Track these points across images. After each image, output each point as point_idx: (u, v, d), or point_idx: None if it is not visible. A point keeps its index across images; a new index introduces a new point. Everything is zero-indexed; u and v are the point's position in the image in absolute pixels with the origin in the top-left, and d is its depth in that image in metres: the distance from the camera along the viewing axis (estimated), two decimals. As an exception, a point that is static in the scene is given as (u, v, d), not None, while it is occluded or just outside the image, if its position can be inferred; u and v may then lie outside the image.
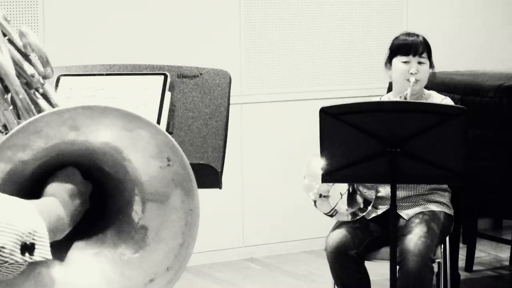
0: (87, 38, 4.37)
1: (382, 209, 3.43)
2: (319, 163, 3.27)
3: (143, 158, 1.06)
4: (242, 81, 4.83)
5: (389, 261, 3.03)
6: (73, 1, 4.43)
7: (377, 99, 3.58)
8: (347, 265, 3.32)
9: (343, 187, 3.32)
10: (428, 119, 2.97)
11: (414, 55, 3.40)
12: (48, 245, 0.91)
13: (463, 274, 4.13)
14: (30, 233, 0.89)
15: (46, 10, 4.33)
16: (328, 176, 3.11)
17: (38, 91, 1.18)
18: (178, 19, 4.63)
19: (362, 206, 3.33)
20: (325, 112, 3.04)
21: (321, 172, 3.22)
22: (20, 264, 0.88)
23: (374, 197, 3.36)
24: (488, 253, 4.59)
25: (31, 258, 0.89)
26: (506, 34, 5.45)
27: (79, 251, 1.09)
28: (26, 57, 1.21)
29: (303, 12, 4.94)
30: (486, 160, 4.00)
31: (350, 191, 3.35)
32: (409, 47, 3.42)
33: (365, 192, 3.37)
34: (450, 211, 3.47)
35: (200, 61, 3.97)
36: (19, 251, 0.88)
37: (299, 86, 5.00)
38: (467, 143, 3.12)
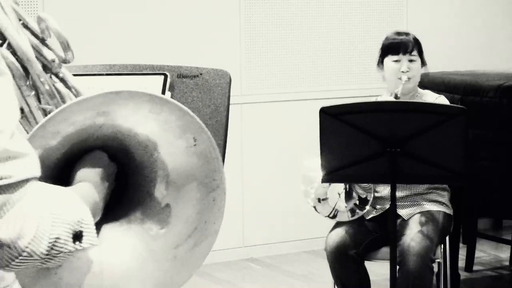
0: (87, 38, 4.37)
1: (381, 209, 3.43)
2: (311, 166, 3.27)
3: (169, 140, 1.08)
4: (242, 81, 4.83)
5: (389, 261, 3.03)
6: (73, 1, 4.43)
7: (374, 99, 3.58)
8: (347, 265, 3.32)
9: (339, 187, 3.33)
10: (428, 119, 2.97)
11: (404, 54, 3.41)
12: (94, 231, 0.94)
13: (463, 274, 4.13)
14: (79, 222, 0.91)
15: (46, 10, 4.33)
16: (328, 176, 3.11)
17: (58, 76, 1.18)
18: (178, 19, 4.63)
19: (358, 202, 3.34)
20: (325, 112, 3.04)
21: (314, 174, 3.22)
22: (71, 253, 0.91)
23: (371, 197, 3.36)
24: (488, 253, 4.59)
25: (81, 246, 0.91)
26: (506, 34, 5.45)
27: (109, 230, 1.12)
28: (43, 42, 1.21)
29: (303, 12, 4.94)
30: (486, 160, 4.00)
31: (347, 189, 3.36)
32: (398, 46, 3.43)
33: (362, 194, 3.38)
34: (450, 211, 3.47)
35: (200, 61, 3.97)
36: (71, 241, 0.90)
37: (299, 86, 5.00)
38: (467, 143, 3.12)
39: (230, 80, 4.02)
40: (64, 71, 1.19)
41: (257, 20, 4.85)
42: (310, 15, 4.96)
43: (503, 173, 3.95)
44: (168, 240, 1.11)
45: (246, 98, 4.85)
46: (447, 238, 3.46)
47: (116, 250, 1.09)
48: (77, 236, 0.91)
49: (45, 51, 1.19)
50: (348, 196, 3.31)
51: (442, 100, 3.49)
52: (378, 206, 3.43)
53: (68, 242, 0.90)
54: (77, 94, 1.16)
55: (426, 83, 3.91)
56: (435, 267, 3.29)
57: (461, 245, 4.18)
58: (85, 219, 0.93)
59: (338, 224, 3.40)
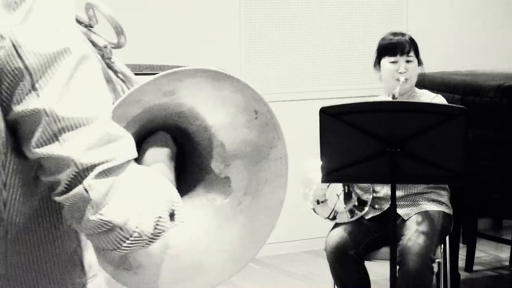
0: (87, 38, 4.36)
1: (381, 209, 3.43)
2: (310, 167, 3.28)
3: (230, 115, 1.10)
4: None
5: (389, 261, 3.03)
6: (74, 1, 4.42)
7: (372, 99, 3.58)
8: (347, 265, 3.33)
9: (338, 188, 3.34)
10: (428, 119, 2.97)
11: (401, 55, 3.41)
12: (182, 209, 0.95)
13: (463, 274, 4.13)
14: (171, 201, 0.93)
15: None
16: (328, 176, 3.11)
17: (110, 61, 1.20)
18: (178, 19, 4.63)
19: (357, 203, 3.34)
20: (325, 112, 3.04)
21: (313, 175, 3.23)
22: (163, 232, 0.92)
23: (370, 198, 3.36)
24: (488, 253, 4.58)
25: (174, 224, 0.93)
26: (506, 34, 5.45)
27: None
28: (90, 28, 1.23)
29: (303, 12, 4.94)
30: (486, 160, 4.00)
31: (346, 190, 3.36)
32: (395, 46, 3.43)
33: (361, 194, 3.38)
34: (450, 211, 3.47)
35: (200, 61, 3.96)
36: (169, 219, 0.92)
37: (299, 86, 5.00)
38: (467, 143, 3.12)
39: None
40: (114, 58, 1.20)
41: (257, 20, 4.85)
42: (310, 15, 4.96)
43: (503, 173, 3.95)
44: (232, 208, 1.13)
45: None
46: (447, 238, 3.46)
47: (189, 226, 1.11)
48: (171, 215, 0.93)
49: (94, 37, 1.20)
50: (347, 197, 3.32)
51: (439, 99, 3.50)
52: (377, 206, 3.43)
53: (167, 221, 0.92)
54: (125, 80, 1.18)
55: (426, 83, 3.91)
56: (435, 267, 3.30)
57: (461, 245, 4.18)
58: (175, 199, 0.95)
59: (338, 224, 3.40)
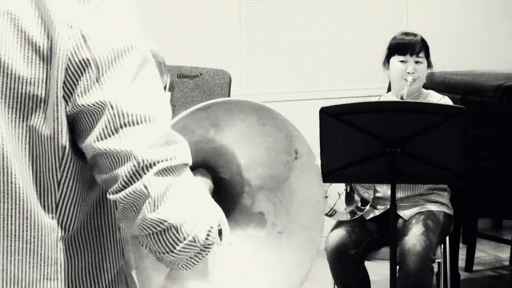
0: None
1: (381, 209, 3.43)
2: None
3: (269, 152, 1.10)
4: (242, 81, 4.83)
5: (389, 261, 3.03)
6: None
7: (376, 99, 3.58)
8: (347, 265, 3.32)
9: (340, 187, 3.33)
10: (428, 119, 2.96)
11: (411, 55, 3.41)
12: (229, 231, 0.94)
13: (463, 274, 4.13)
14: (220, 219, 0.91)
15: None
16: (328, 176, 3.11)
17: None
18: (178, 19, 4.63)
19: (359, 204, 3.34)
20: (325, 112, 3.04)
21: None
22: (208, 253, 0.90)
23: (372, 197, 3.36)
24: (488, 253, 4.58)
25: (221, 243, 0.91)
26: (506, 34, 5.45)
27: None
28: None
29: (303, 12, 4.94)
30: (486, 160, 3.99)
31: (348, 190, 3.36)
32: (406, 46, 3.43)
33: (363, 193, 3.38)
34: (450, 211, 3.47)
35: (200, 61, 3.96)
36: (218, 233, 0.90)
37: (299, 86, 5.00)
38: (467, 143, 3.12)
39: (230, 80, 4.02)
40: None
41: (257, 20, 4.85)
42: (310, 15, 4.96)
43: (503, 173, 3.95)
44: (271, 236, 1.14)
45: (246, 98, 4.85)
46: (447, 238, 3.46)
47: (229, 252, 1.10)
48: (219, 232, 0.91)
49: None
50: (349, 198, 3.32)
51: (446, 100, 3.50)
52: (378, 207, 3.43)
53: (216, 235, 0.90)
54: None
55: (426, 83, 3.91)
56: (435, 267, 3.30)
57: (461, 245, 4.18)
58: (223, 218, 0.93)
59: (338, 224, 3.40)
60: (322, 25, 4.99)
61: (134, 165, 0.84)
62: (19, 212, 0.86)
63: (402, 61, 3.41)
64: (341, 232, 3.33)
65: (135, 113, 0.86)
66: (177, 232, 0.86)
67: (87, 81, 0.87)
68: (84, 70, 0.87)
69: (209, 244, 0.88)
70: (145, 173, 0.84)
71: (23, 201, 0.86)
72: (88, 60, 0.87)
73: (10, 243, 0.86)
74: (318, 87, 5.02)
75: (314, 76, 5.02)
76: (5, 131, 0.85)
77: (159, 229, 0.85)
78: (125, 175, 0.85)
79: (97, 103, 0.86)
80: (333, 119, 3.03)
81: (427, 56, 3.46)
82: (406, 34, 3.52)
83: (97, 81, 0.87)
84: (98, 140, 0.86)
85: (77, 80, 0.87)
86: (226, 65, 4.05)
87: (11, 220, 0.86)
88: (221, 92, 4.17)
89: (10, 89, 0.86)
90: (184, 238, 0.86)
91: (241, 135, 1.07)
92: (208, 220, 0.88)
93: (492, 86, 4.00)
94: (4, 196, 0.86)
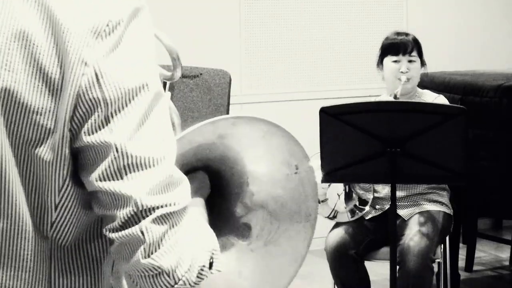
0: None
1: (381, 209, 3.43)
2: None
3: (272, 165, 1.12)
4: (242, 81, 4.83)
5: (389, 261, 3.03)
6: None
7: (373, 99, 3.58)
8: (347, 265, 3.32)
9: (339, 188, 3.33)
10: (428, 119, 2.96)
11: (404, 54, 3.41)
12: (220, 258, 0.94)
13: (463, 274, 4.13)
14: (213, 249, 0.92)
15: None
16: (328, 176, 3.11)
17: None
18: (178, 19, 4.63)
19: (358, 203, 3.34)
20: (325, 112, 3.04)
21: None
22: (202, 281, 0.91)
23: (371, 197, 3.36)
24: (488, 253, 4.58)
25: (211, 273, 0.92)
26: (506, 34, 5.45)
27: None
28: None
29: (303, 12, 4.94)
30: (486, 160, 3.99)
31: (346, 190, 3.36)
32: (398, 46, 3.44)
33: (362, 194, 3.38)
34: (450, 211, 3.47)
35: (200, 61, 3.96)
36: (208, 268, 0.91)
37: (299, 86, 5.00)
38: (467, 143, 3.12)
39: (230, 80, 4.02)
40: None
41: (257, 20, 4.85)
42: (310, 15, 4.96)
43: (503, 173, 3.95)
44: (248, 251, 1.15)
45: (246, 98, 4.85)
46: (447, 238, 3.46)
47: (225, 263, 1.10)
48: (210, 264, 0.91)
49: None
50: (348, 197, 3.32)
51: (441, 99, 3.50)
52: (378, 206, 3.43)
53: (207, 270, 0.90)
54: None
55: (426, 83, 3.91)
56: (435, 267, 3.30)
57: (461, 245, 4.18)
58: (216, 246, 0.93)
59: (338, 224, 3.40)
60: (322, 25, 4.99)
61: (133, 209, 0.84)
62: (15, 229, 0.87)
63: (395, 61, 3.42)
64: (341, 232, 3.33)
65: (140, 156, 0.85)
66: (169, 277, 0.86)
67: (95, 120, 0.87)
68: (94, 109, 0.87)
69: (199, 281, 0.90)
70: (143, 218, 0.84)
71: (20, 220, 0.87)
72: (99, 100, 0.87)
73: (5, 260, 0.88)
74: (318, 87, 5.01)
75: (314, 76, 5.02)
76: (8, 153, 0.85)
77: (151, 273, 0.86)
78: (123, 217, 0.85)
79: (102, 142, 0.86)
80: (333, 119, 3.03)
81: (420, 55, 3.46)
82: (398, 33, 3.53)
83: (106, 121, 0.87)
84: (100, 180, 0.86)
85: (86, 118, 0.87)
86: (226, 65, 4.05)
87: (7, 238, 0.87)
88: (221, 92, 4.17)
89: (17, 116, 0.86)
90: (175, 283, 0.87)
91: (246, 146, 1.09)
92: (201, 259, 0.89)
93: (492, 86, 4.00)
94: (2, 215, 0.87)
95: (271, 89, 4.93)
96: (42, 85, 0.86)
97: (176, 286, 0.87)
